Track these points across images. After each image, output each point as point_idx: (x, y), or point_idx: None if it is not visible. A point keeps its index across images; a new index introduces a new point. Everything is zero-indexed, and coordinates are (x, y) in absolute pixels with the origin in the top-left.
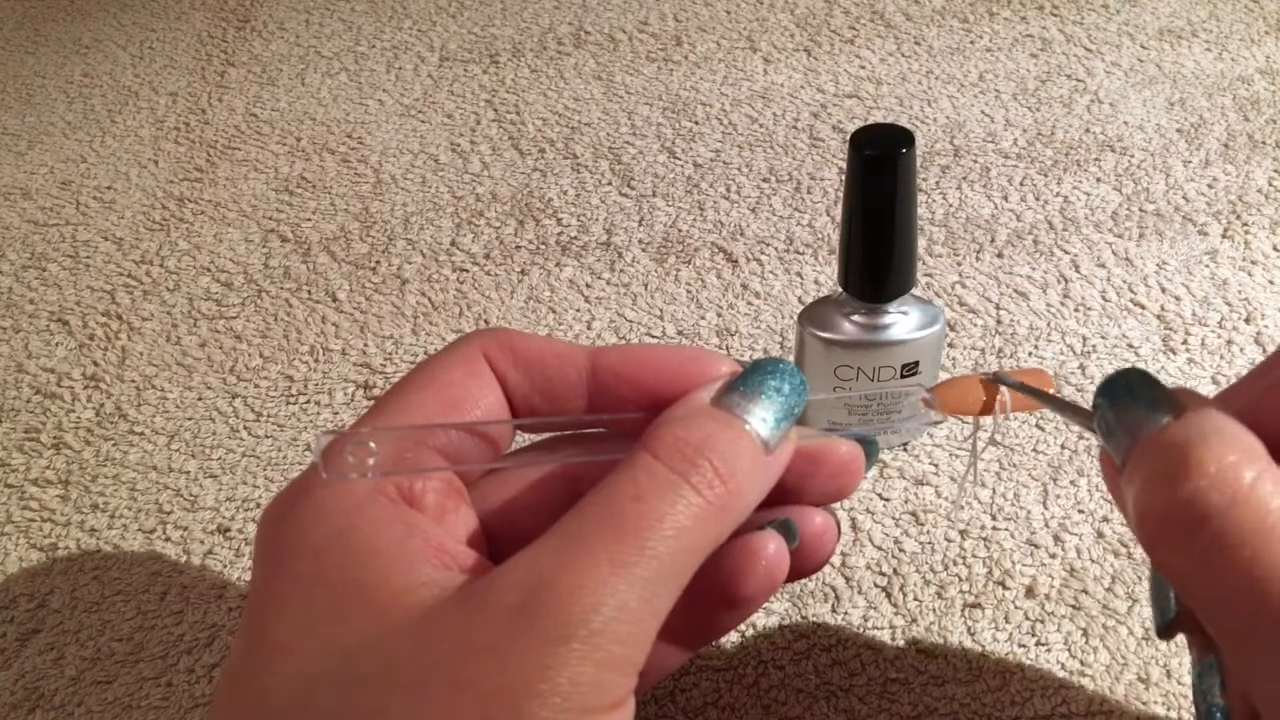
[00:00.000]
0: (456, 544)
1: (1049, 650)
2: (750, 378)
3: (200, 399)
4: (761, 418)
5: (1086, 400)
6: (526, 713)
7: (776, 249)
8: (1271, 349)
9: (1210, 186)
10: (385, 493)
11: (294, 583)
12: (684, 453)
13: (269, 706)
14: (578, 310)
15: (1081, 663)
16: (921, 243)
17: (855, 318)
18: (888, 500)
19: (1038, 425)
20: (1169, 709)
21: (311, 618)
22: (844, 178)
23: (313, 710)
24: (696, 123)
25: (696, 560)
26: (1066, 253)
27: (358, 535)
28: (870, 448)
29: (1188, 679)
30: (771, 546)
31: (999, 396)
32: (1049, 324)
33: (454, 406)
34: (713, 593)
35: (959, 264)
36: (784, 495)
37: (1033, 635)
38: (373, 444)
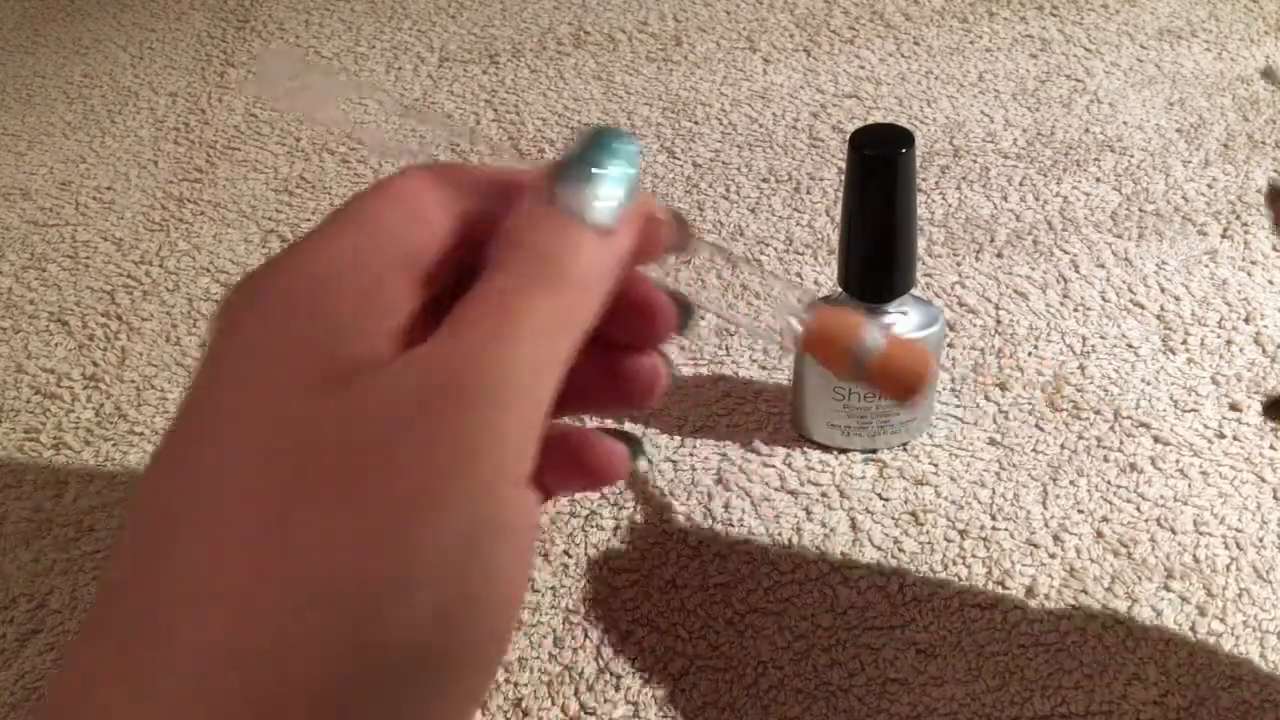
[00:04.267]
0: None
1: (1048, 650)
2: (574, 165)
3: None
4: (593, 202)
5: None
6: (459, 491)
7: (776, 249)
8: (1271, 349)
9: (1210, 186)
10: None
11: (241, 345)
12: (533, 262)
13: (196, 478)
14: None
15: (1081, 663)
16: (921, 243)
17: None
18: (887, 500)
19: (1038, 426)
20: (1166, 709)
21: (249, 384)
22: (844, 178)
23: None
24: (696, 123)
25: (563, 357)
26: (1066, 253)
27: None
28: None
29: (1186, 679)
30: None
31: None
32: (1049, 324)
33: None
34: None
35: (959, 264)
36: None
37: (1031, 635)
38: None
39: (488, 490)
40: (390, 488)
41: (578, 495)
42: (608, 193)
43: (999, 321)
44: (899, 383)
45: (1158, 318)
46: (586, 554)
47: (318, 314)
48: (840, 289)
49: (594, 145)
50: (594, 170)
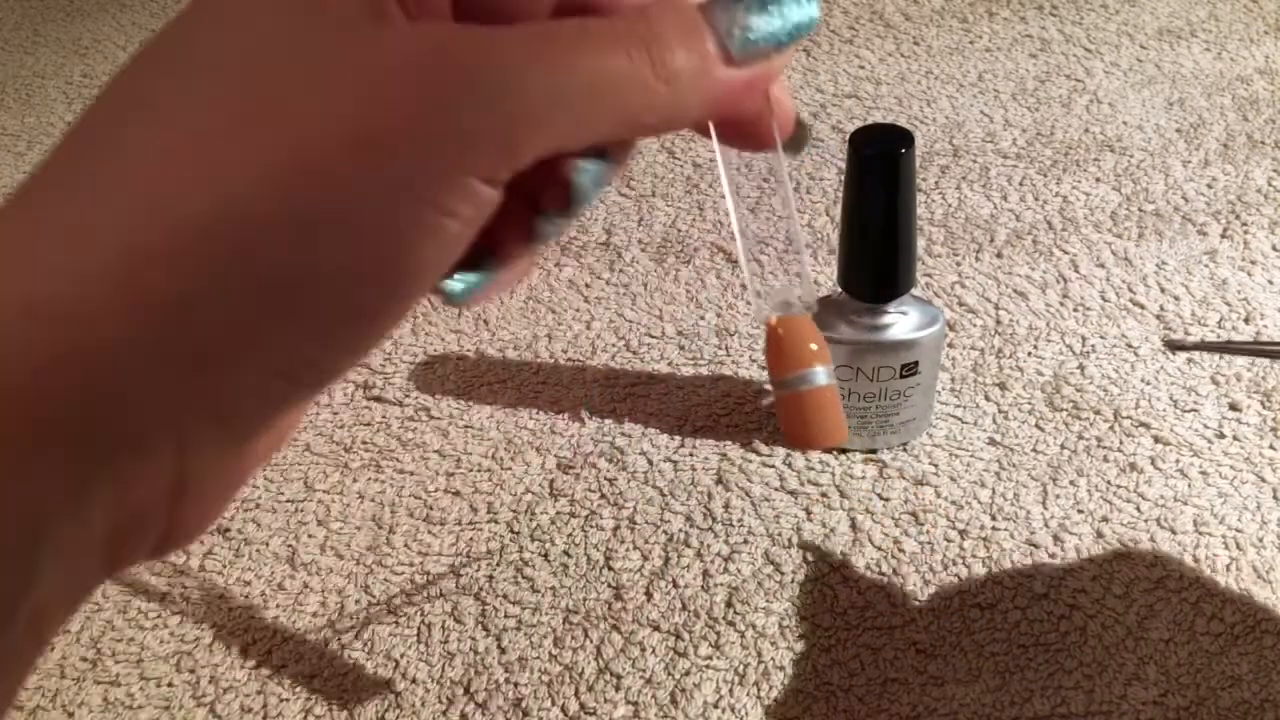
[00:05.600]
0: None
1: (1048, 650)
2: None
3: None
4: (741, 27)
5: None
6: (398, 154)
7: (776, 249)
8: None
9: (1209, 186)
10: None
11: None
12: (636, 33)
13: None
14: (577, 310)
15: (1080, 662)
16: (921, 243)
17: (855, 318)
18: (887, 500)
19: (1038, 426)
20: (1166, 709)
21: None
22: (844, 178)
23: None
24: None
25: (602, 123)
26: (1066, 253)
27: None
28: (801, 131)
29: (1186, 679)
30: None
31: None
32: (1048, 324)
33: None
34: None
35: (958, 264)
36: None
37: (1032, 635)
38: None
39: (435, 175)
40: (337, 130)
41: (578, 496)
42: (754, 26)
43: (999, 321)
44: (805, 428)
45: (1157, 318)
46: (586, 554)
47: None
48: (840, 289)
49: None
50: (757, 2)
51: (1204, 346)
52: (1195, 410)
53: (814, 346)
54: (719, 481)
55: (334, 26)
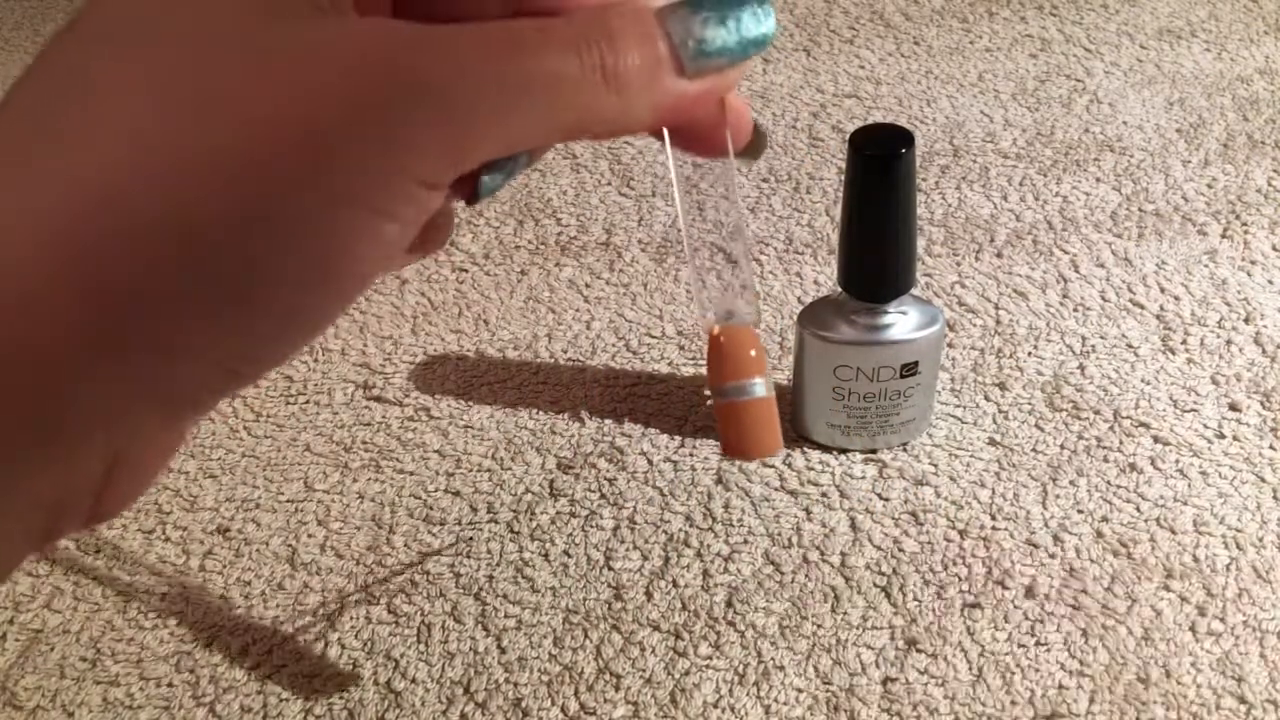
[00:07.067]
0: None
1: (1049, 650)
2: (702, 1)
3: None
4: (695, 39)
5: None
6: (356, 160)
7: (776, 249)
8: (1271, 349)
9: (1210, 186)
10: None
11: None
12: (590, 35)
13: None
14: (577, 310)
15: (1081, 663)
16: (921, 243)
17: (855, 318)
18: (887, 500)
19: (1037, 426)
20: (1168, 709)
21: None
22: (843, 178)
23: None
24: None
25: (552, 130)
26: (1066, 253)
27: None
28: (760, 138)
29: (1187, 679)
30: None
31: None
32: (1048, 324)
33: None
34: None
35: (958, 264)
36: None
37: (1032, 635)
38: None
39: (378, 180)
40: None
41: (578, 496)
42: (709, 39)
43: (999, 321)
44: (740, 439)
45: (1157, 318)
46: (586, 554)
47: None
48: (840, 289)
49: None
50: (714, 15)
51: None
52: (1195, 410)
53: (754, 355)
54: (719, 481)
55: (280, 15)
